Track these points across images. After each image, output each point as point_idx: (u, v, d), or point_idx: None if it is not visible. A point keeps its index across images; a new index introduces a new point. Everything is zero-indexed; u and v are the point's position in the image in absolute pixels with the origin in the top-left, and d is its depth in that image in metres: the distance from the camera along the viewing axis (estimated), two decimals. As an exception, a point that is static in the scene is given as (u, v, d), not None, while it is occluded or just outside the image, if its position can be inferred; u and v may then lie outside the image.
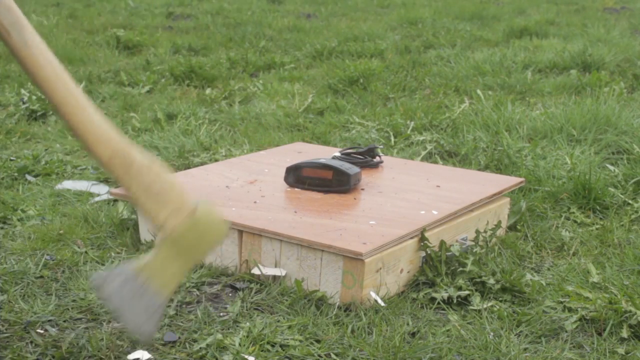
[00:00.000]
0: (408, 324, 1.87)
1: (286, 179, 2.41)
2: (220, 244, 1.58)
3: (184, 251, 1.48)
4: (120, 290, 1.46)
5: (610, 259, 2.28)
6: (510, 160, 3.12)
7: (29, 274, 2.13)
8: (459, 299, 1.99)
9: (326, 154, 2.79)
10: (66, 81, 1.41)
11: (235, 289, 2.06)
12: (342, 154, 2.69)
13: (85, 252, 2.30)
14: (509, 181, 2.54)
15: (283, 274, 2.05)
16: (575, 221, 2.62)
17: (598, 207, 2.70)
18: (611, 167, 3.03)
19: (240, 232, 2.12)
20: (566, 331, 1.85)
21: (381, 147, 3.01)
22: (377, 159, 2.69)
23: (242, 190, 2.37)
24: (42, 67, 1.40)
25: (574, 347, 1.80)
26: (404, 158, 3.17)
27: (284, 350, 1.74)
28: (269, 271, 2.07)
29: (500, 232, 2.43)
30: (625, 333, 1.82)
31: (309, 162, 2.40)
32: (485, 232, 2.29)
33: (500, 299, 2.02)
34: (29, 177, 3.09)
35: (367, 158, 2.66)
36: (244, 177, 2.52)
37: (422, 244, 2.08)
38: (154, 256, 1.49)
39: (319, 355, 1.73)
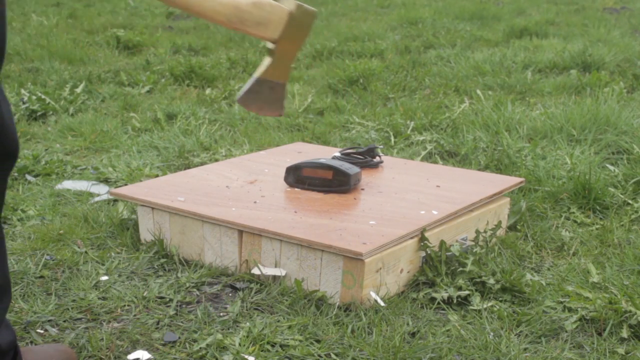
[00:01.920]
0: (408, 324, 1.87)
1: (286, 179, 2.41)
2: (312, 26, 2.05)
3: (295, 41, 2.00)
4: (257, 93, 2.00)
5: (610, 259, 2.28)
6: (510, 160, 3.12)
7: (29, 274, 2.13)
8: (459, 299, 1.99)
9: (326, 154, 2.79)
10: None
11: (235, 289, 2.06)
12: (342, 154, 2.69)
13: (85, 252, 2.30)
14: (508, 181, 2.54)
15: (283, 274, 2.05)
16: (575, 221, 2.62)
17: (598, 207, 2.70)
18: (611, 167, 3.03)
19: (241, 232, 2.12)
20: (566, 331, 1.85)
21: (381, 147, 3.01)
22: (377, 159, 2.69)
23: (242, 190, 2.37)
24: None
25: (574, 347, 1.80)
26: (404, 158, 3.17)
27: (284, 350, 1.74)
28: (269, 271, 2.07)
29: (500, 232, 2.43)
30: (625, 333, 1.82)
31: (309, 162, 2.40)
32: (485, 232, 2.29)
33: (500, 299, 2.02)
34: (29, 177, 3.09)
35: (367, 158, 2.66)
36: (244, 177, 2.52)
37: (422, 244, 2.08)
38: (274, 60, 1.98)
39: (319, 355, 1.73)
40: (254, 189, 2.39)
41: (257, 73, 2.00)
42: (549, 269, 2.24)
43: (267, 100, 2.04)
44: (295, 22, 1.96)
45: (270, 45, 1.99)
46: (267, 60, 2.00)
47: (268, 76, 2.02)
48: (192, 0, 1.85)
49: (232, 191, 2.36)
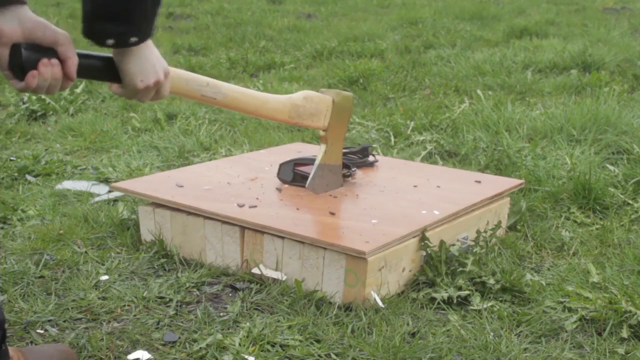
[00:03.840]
0: (408, 324, 1.87)
1: (278, 175, 2.45)
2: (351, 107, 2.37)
3: (341, 123, 2.33)
4: (320, 177, 2.34)
5: (610, 259, 2.28)
6: (510, 160, 3.12)
7: (29, 274, 2.13)
8: (459, 299, 1.99)
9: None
10: (249, 96, 2.09)
11: (235, 289, 2.06)
12: None
13: (85, 252, 2.30)
14: (508, 183, 2.54)
15: (284, 279, 2.05)
16: (575, 221, 2.62)
17: (598, 207, 2.70)
18: (611, 167, 3.03)
19: (242, 228, 2.12)
20: (566, 331, 1.85)
21: (374, 146, 3.03)
22: (372, 158, 2.70)
23: (243, 187, 2.37)
24: (239, 101, 2.06)
25: (574, 347, 1.80)
26: (404, 158, 3.17)
27: (284, 350, 1.74)
28: (270, 273, 2.07)
29: (500, 232, 2.43)
30: (625, 333, 1.82)
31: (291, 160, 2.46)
32: (485, 232, 2.29)
33: (500, 299, 2.02)
34: (29, 177, 3.09)
35: (361, 157, 2.66)
36: (245, 174, 2.52)
37: (422, 243, 2.08)
38: (328, 146, 2.32)
39: (319, 355, 1.73)
40: (255, 185, 2.39)
41: (318, 160, 2.33)
42: (549, 269, 2.24)
43: (330, 181, 2.37)
44: (338, 108, 2.30)
45: (322, 132, 2.32)
46: (322, 147, 2.33)
47: (326, 161, 2.34)
48: (258, 109, 2.12)
49: (234, 188, 2.36)
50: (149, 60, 1.52)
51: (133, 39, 1.42)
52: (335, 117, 2.28)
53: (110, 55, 1.53)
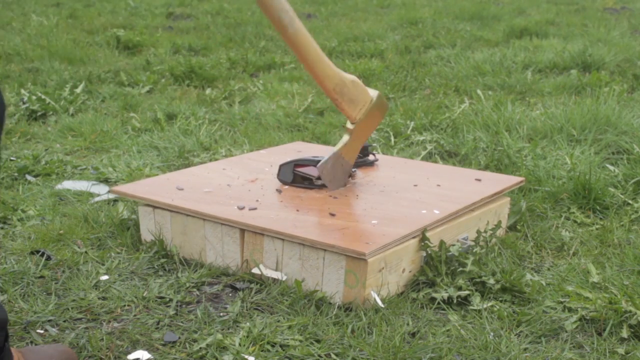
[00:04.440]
0: (408, 324, 1.87)
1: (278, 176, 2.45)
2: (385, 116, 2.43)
3: (370, 125, 2.33)
4: (332, 166, 2.32)
5: (610, 259, 2.28)
6: (510, 160, 3.12)
7: (29, 274, 2.13)
8: (459, 299, 1.99)
9: (323, 153, 2.79)
10: (314, 46, 2.19)
11: (235, 289, 2.06)
12: None
13: (85, 252, 2.30)
14: (508, 180, 2.54)
15: (284, 279, 2.05)
16: (575, 221, 2.62)
17: (598, 207, 2.70)
18: (611, 167, 3.03)
19: (242, 230, 2.12)
20: (566, 331, 1.85)
21: (374, 145, 3.04)
22: (372, 157, 2.70)
23: (243, 188, 2.37)
24: (304, 44, 2.17)
25: (574, 347, 1.80)
26: (404, 158, 3.16)
27: (284, 350, 1.74)
28: (270, 274, 2.07)
29: (500, 232, 2.43)
30: (625, 333, 1.82)
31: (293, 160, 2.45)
32: (485, 232, 2.29)
33: (500, 299, 2.02)
34: (29, 177, 3.09)
35: (361, 156, 2.66)
36: (245, 175, 2.52)
37: (422, 244, 2.08)
38: (350, 140, 2.30)
39: (319, 355, 1.72)
40: (255, 187, 2.39)
41: (337, 148, 2.30)
42: (549, 269, 2.24)
43: (337, 175, 2.35)
44: (374, 108, 2.29)
45: (350, 125, 2.30)
46: (345, 138, 2.31)
47: (344, 154, 2.32)
48: (315, 62, 2.18)
49: (234, 190, 2.36)
50: None
51: None
52: (369, 115, 2.29)
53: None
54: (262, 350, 1.74)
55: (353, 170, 2.49)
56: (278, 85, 4.85)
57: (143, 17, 8.45)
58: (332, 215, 2.15)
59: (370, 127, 2.35)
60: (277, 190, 2.37)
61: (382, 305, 1.94)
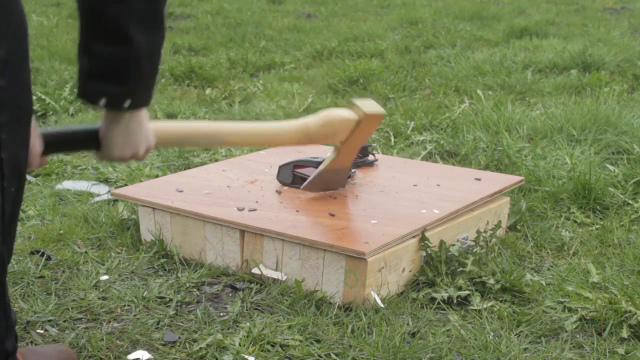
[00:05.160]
0: (408, 324, 1.87)
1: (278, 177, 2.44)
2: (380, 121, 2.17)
3: (359, 140, 2.13)
4: (321, 182, 2.24)
5: (610, 259, 2.28)
6: (510, 161, 3.12)
7: (29, 274, 2.13)
8: (459, 299, 1.99)
9: (323, 153, 2.79)
10: (247, 130, 1.91)
11: (235, 289, 2.06)
12: None
13: (85, 252, 2.30)
14: (508, 180, 2.54)
15: (284, 279, 2.05)
16: (575, 221, 2.62)
17: (598, 207, 2.70)
18: (611, 167, 3.03)
19: (242, 231, 2.12)
20: (566, 331, 1.85)
21: (374, 144, 3.02)
22: (372, 157, 2.70)
23: (243, 190, 2.37)
24: (235, 141, 1.92)
25: (574, 347, 1.80)
26: (404, 158, 3.16)
27: (284, 350, 1.74)
28: (270, 274, 2.07)
29: (500, 232, 2.43)
30: (625, 333, 1.82)
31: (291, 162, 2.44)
32: (485, 232, 2.29)
33: (500, 299, 2.02)
34: (29, 177, 3.08)
35: (361, 157, 2.66)
36: (245, 176, 2.52)
37: (422, 243, 2.08)
38: (338, 156, 2.15)
39: (319, 355, 1.73)
40: (255, 188, 2.39)
41: (323, 165, 2.19)
42: (549, 269, 2.24)
43: (331, 181, 2.27)
44: (363, 127, 2.07)
45: (338, 144, 2.12)
46: (332, 155, 2.16)
47: (333, 167, 2.20)
48: (264, 145, 2.06)
49: (233, 191, 2.36)
50: (135, 135, 1.45)
51: (127, 102, 1.35)
52: (356, 134, 2.08)
53: (91, 127, 1.48)
54: (262, 350, 1.74)
55: (352, 171, 2.49)
56: (278, 85, 4.85)
57: (143, 17, 8.43)
58: (332, 215, 2.15)
59: (361, 140, 2.14)
60: (276, 191, 2.37)
61: (382, 305, 1.94)
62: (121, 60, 1.31)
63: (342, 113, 2.06)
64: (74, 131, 1.53)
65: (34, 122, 1.37)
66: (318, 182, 2.27)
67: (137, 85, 1.35)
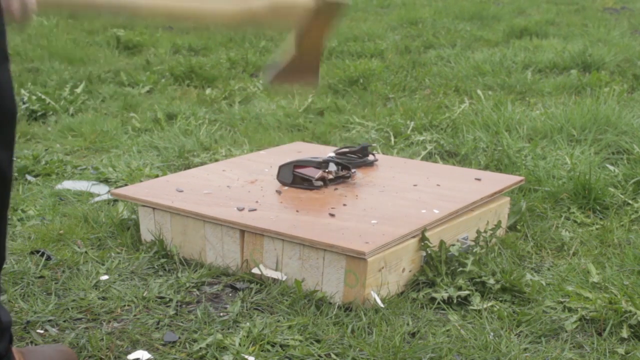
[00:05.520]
0: (408, 324, 1.87)
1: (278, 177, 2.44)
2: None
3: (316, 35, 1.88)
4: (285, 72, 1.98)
5: (610, 259, 2.28)
6: (510, 161, 3.12)
7: (29, 274, 2.13)
8: (459, 299, 1.99)
9: (324, 153, 2.79)
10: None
11: (235, 289, 2.06)
12: (337, 154, 2.69)
13: (85, 252, 2.30)
14: (508, 180, 2.54)
15: (284, 279, 2.05)
16: (575, 221, 2.62)
17: (598, 207, 2.70)
18: (611, 167, 3.03)
19: (242, 231, 2.12)
20: (566, 331, 1.85)
21: (374, 145, 3.01)
22: (372, 157, 2.70)
23: (243, 190, 2.37)
24: (147, 6, 1.69)
25: (574, 347, 1.80)
26: (404, 158, 3.16)
27: (284, 350, 1.74)
28: (271, 274, 2.07)
29: (500, 232, 2.43)
30: (625, 333, 1.82)
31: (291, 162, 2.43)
32: (485, 232, 2.29)
33: (500, 299, 2.02)
34: (29, 177, 3.09)
35: (361, 157, 2.67)
36: (245, 176, 2.52)
37: (422, 244, 2.08)
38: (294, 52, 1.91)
39: (319, 355, 1.72)
40: (255, 188, 2.39)
41: (284, 54, 1.93)
42: (549, 269, 2.24)
43: (300, 70, 2.01)
44: (318, 15, 1.82)
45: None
46: (290, 39, 1.90)
47: (296, 59, 1.94)
48: (202, 11, 1.73)
49: (233, 191, 2.36)
50: None
51: None
52: (312, 24, 1.83)
53: None
54: (262, 350, 1.74)
55: (352, 171, 2.49)
56: (278, 85, 4.84)
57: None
58: (332, 215, 2.15)
59: (319, 31, 1.89)
60: (276, 191, 2.37)
61: (382, 305, 1.94)
62: None
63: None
64: None
65: None
66: (283, 73, 1.98)
67: None
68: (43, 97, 4.26)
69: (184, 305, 1.98)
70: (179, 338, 1.80)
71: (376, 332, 1.82)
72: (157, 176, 2.98)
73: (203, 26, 1.84)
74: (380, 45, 6.32)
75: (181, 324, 1.87)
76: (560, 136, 3.43)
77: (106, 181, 3.05)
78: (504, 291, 2.04)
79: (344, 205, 2.25)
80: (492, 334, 1.83)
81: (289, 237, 2.02)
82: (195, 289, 2.07)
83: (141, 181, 2.80)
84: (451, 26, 7.41)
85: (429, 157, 3.32)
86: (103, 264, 2.22)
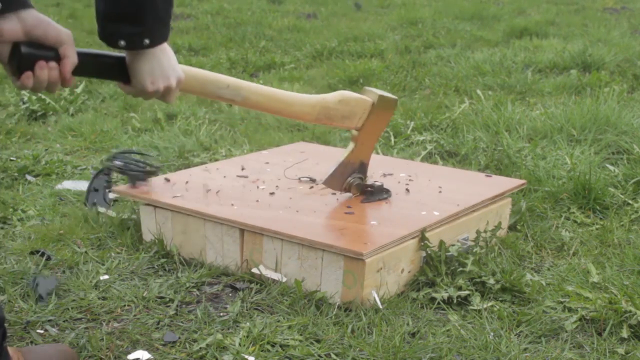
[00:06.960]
0: (408, 324, 1.87)
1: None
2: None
3: (377, 127, 2.23)
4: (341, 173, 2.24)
5: (610, 259, 2.28)
6: (510, 161, 3.12)
7: (29, 274, 2.13)
8: (459, 299, 1.99)
9: (327, 153, 2.79)
10: (273, 96, 2.03)
11: (235, 289, 2.06)
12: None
13: (85, 252, 2.30)
14: (510, 183, 2.54)
15: (283, 280, 2.05)
16: (575, 221, 2.62)
17: (598, 207, 2.70)
18: (611, 167, 3.03)
19: (242, 230, 2.12)
20: (566, 331, 1.85)
21: (152, 155, 3.00)
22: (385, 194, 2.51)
23: (244, 189, 2.37)
24: (260, 103, 2.01)
25: (574, 347, 1.80)
26: (404, 158, 3.17)
27: (284, 350, 1.74)
28: (270, 274, 2.07)
29: (501, 232, 2.43)
30: (625, 333, 1.82)
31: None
32: (485, 232, 2.29)
33: (500, 299, 2.02)
34: (29, 177, 3.09)
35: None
36: (245, 176, 2.52)
37: (422, 244, 2.08)
38: (356, 146, 2.23)
39: (319, 355, 1.73)
40: (255, 188, 2.39)
41: (342, 157, 2.22)
42: (549, 269, 2.24)
43: (350, 176, 2.24)
44: (378, 111, 2.17)
45: (354, 132, 2.20)
46: (350, 146, 2.23)
47: (351, 159, 2.24)
48: (281, 111, 2.04)
49: (234, 190, 2.36)
50: (162, 65, 1.50)
51: (146, 41, 1.42)
52: (372, 119, 2.18)
53: (121, 54, 1.52)
54: (262, 350, 1.74)
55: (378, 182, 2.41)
56: (278, 85, 4.85)
57: (143, 17, 8.44)
58: (332, 215, 2.15)
59: (378, 128, 2.23)
60: (276, 190, 2.37)
61: (381, 306, 1.94)
62: (135, 1, 1.33)
63: (357, 94, 2.16)
64: (104, 54, 1.52)
65: (70, 37, 1.36)
66: (339, 175, 2.24)
67: (154, 24, 1.38)
68: (43, 97, 4.26)
69: (184, 305, 1.98)
70: (179, 338, 1.80)
71: (376, 332, 1.82)
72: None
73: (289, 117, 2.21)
74: (380, 45, 6.32)
75: (181, 324, 1.87)
76: (560, 136, 3.43)
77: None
78: (504, 291, 2.04)
79: (344, 205, 2.24)
80: (492, 334, 1.83)
81: (287, 237, 2.02)
82: (195, 289, 2.07)
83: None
84: (451, 26, 7.41)
85: (428, 157, 3.32)
86: (103, 264, 2.22)
